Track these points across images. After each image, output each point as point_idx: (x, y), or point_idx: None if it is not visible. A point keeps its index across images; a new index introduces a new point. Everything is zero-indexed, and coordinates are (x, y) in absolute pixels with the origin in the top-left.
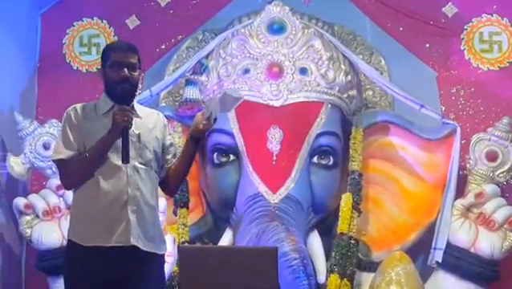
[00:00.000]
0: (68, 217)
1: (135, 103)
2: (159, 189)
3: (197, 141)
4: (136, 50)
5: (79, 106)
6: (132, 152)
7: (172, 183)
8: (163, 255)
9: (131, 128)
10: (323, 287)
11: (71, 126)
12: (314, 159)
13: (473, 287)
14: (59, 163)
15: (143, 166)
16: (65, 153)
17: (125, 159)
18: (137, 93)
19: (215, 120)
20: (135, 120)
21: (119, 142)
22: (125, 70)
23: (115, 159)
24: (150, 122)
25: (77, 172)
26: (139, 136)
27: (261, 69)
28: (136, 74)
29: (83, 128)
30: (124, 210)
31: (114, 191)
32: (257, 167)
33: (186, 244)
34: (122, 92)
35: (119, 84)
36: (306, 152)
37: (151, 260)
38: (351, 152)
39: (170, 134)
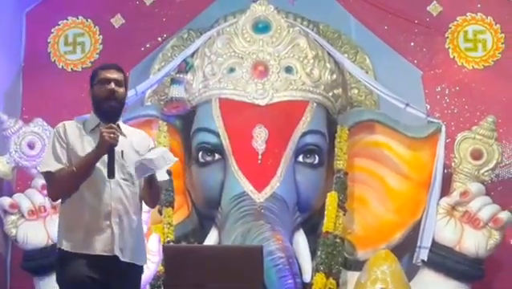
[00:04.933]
0: (53, 217)
1: (120, 122)
2: None
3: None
4: (122, 70)
5: (67, 122)
6: (115, 168)
7: (146, 201)
8: (141, 267)
9: (116, 145)
10: (309, 286)
11: (60, 140)
12: (300, 158)
13: (458, 285)
14: (47, 175)
15: (125, 181)
16: (53, 166)
17: (111, 174)
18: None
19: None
20: (120, 138)
21: (104, 157)
22: (112, 84)
23: (100, 173)
24: (134, 140)
25: (64, 185)
26: (122, 153)
27: (246, 68)
28: (122, 90)
29: (70, 144)
30: (108, 222)
31: (98, 204)
32: (242, 166)
33: (171, 243)
34: (109, 110)
35: (106, 100)
36: (292, 151)
37: (130, 270)
38: (337, 151)
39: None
